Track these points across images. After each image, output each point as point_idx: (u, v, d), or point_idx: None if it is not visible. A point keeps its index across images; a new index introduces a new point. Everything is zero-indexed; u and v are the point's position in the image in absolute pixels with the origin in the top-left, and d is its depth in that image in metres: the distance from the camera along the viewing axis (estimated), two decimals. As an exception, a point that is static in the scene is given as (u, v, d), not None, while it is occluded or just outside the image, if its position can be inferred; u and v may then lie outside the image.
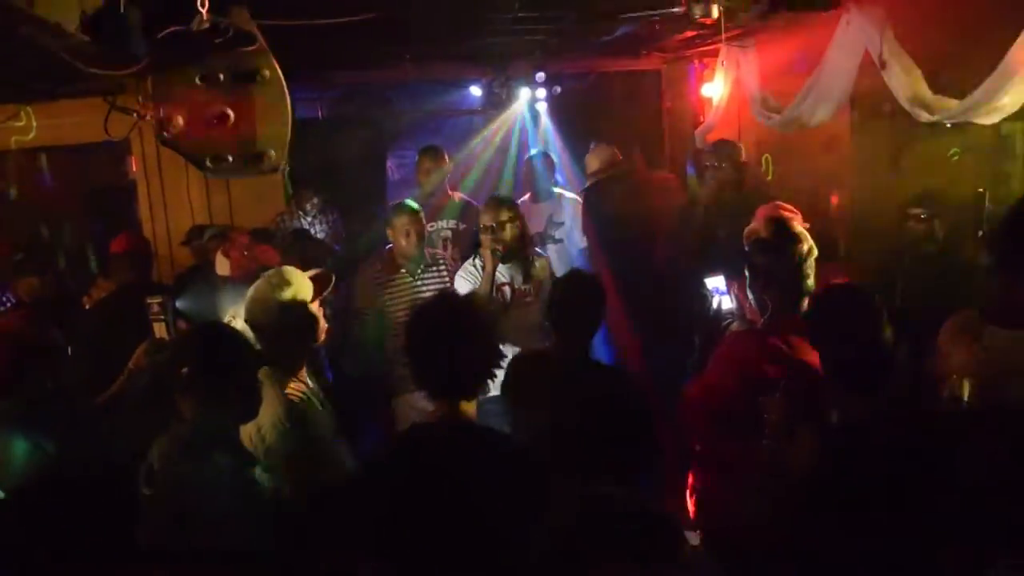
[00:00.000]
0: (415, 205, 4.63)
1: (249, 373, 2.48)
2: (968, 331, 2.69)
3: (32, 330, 3.16)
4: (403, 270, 4.58)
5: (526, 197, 5.93)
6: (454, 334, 2.39)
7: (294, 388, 2.88)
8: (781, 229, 2.93)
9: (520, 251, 4.44)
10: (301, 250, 4.58)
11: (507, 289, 4.42)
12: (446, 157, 5.64)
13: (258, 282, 3.04)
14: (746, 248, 3.01)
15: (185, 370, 2.42)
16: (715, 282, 3.28)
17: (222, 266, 4.28)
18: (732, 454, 2.87)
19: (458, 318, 2.43)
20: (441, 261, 4.76)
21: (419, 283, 4.58)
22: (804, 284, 2.89)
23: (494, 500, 2.28)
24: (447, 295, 2.60)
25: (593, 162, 5.35)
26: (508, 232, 4.33)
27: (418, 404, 4.49)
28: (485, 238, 4.33)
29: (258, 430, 2.70)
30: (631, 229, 5.04)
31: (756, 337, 2.90)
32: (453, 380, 2.42)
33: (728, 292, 3.24)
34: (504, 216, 4.33)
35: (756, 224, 3.03)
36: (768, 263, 2.89)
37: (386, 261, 4.62)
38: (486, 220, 4.35)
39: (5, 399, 3.00)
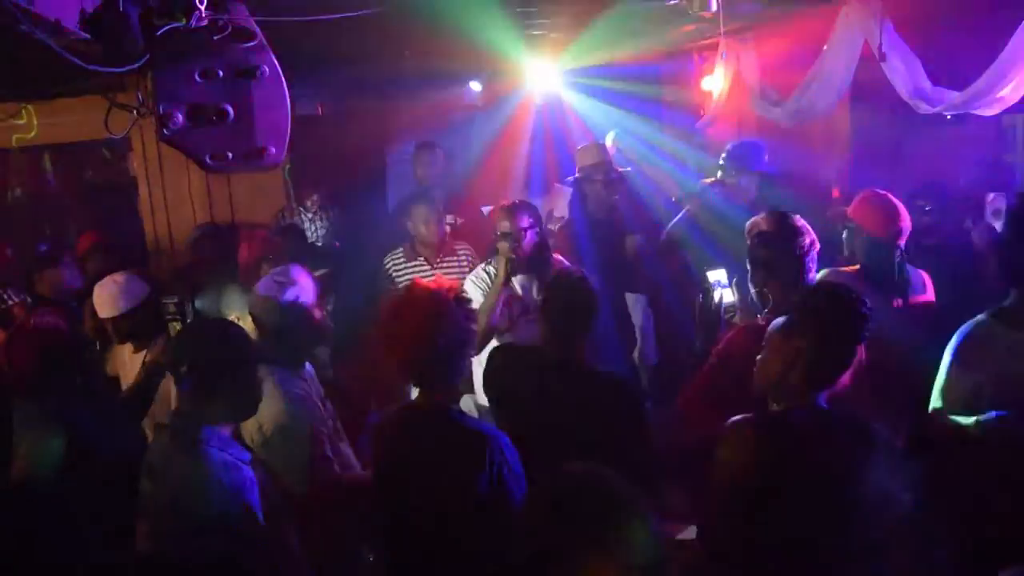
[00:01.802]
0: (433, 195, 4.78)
1: (248, 370, 2.48)
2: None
3: (62, 328, 3.20)
4: (421, 258, 4.70)
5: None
6: (411, 323, 2.49)
7: (293, 386, 2.89)
8: (783, 222, 2.92)
9: (538, 260, 4.09)
10: (293, 247, 4.59)
11: (515, 304, 4.16)
12: (441, 152, 5.67)
13: (263, 280, 3.06)
14: (748, 241, 3.01)
15: (183, 367, 2.43)
16: (717, 275, 3.28)
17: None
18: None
19: (417, 307, 2.52)
20: (462, 251, 4.79)
21: (436, 271, 4.64)
22: (806, 278, 2.88)
23: (466, 487, 2.38)
24: (414, 287, 2.65)
25: (581, 158, 5.36)
26: (527, 240, 4.01)
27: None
28: (503, 245, 3.99)
29: (259, 427, 2.72)
30: (605, 225, 5.06)
31: (757, 331, 2.88)
32: (419, 368, 2.53)
33: (730, 285, 3.23)
34: (524, 222, 4.02)
35: (758, 217, 3.03)
36: (769, 256, 2.88)
37: (406, 249, 4.74)
38: (504, 226, 4.01)
39: (36, 396, 3.02)
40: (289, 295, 2.97)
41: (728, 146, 5.08)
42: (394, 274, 4.68)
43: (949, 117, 4.30)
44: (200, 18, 2.58)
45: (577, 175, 5.38)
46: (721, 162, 4.99)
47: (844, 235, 3.47)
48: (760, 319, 2.93)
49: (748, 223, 3.03)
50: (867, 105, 5.33)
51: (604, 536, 1.52)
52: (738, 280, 3.15)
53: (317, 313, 3.05)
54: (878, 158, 5.69)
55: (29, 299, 4.62)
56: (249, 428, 2.66)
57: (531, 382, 2.94)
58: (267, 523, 2.34)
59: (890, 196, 3.39)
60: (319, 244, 5.78)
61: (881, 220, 3.31)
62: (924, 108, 3.91)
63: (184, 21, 2.55)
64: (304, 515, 2.60)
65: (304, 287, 3.02)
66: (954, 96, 3.77)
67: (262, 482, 2.41)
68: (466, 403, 4.47)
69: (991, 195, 4.62)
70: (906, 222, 3.32)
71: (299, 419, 2.81)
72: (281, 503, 2.47)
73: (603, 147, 5.40)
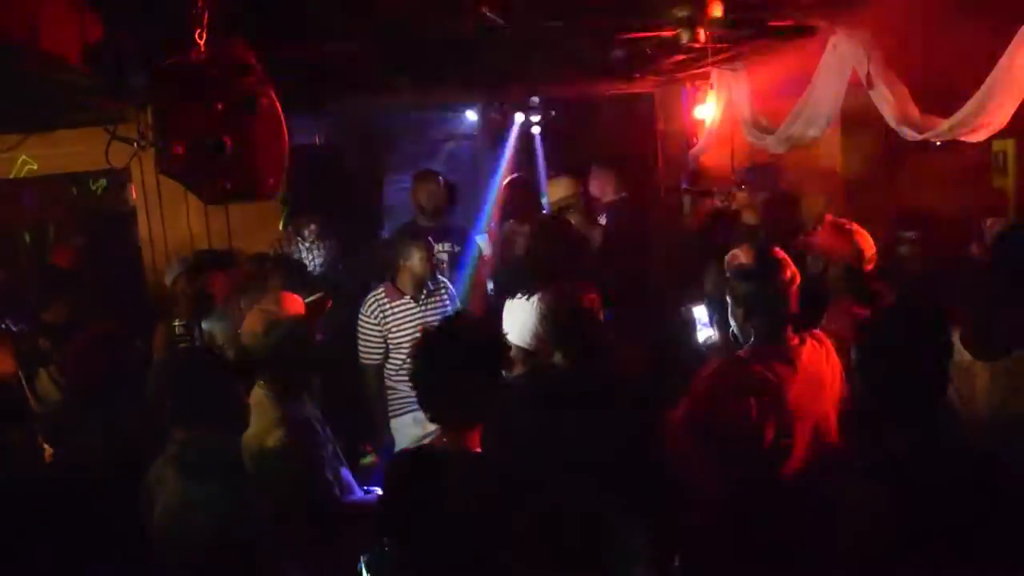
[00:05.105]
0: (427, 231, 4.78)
1: (230, 390, 2.54)
2: None
3: (119, 336, 3.22)
4: (407, 296, 4.63)
5: (511, 221, 5.96)
6: (459, 362, 2.42)
7: (293, 410, 2.92)
8: (764, 255, 2.89)
9: None
10: (286, 277, 4.59)
11: None
12: (440, 181, 5.70)
13: (252, 309, 3.10)
14: (727, 274, 2.97)
15: (168, 403, 2.48)
16: (698, 312, 3.30)
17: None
18: (713, 483, 2.83)
19: (464, 346, 2.46)
20: (443, 287, 4.81)
21: (422, 308, 4.62)
22: (788, 311, 2.84)
23: (493, 529, 2.31)
24: (450, 323, 2.62)
25: (554, 192, 5.39)
26: None
27: (416, 425, 4.60)
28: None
29: (260, 450, 2.74)
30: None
31: (738, 366, 2.86)
32: (452, 409, 2.45)
33: (711, 323, 3.24)
34: None
35: (737, 250, 3.01)
36: (750, 290, 2.85)
37: (388, 288, 4.65)
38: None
39: (100, 403, 3.03)
40: (276, 321, 3.00)
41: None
42: (382, 316, 4.59)
43: (939, 144, 4.35)
44: (200, 53, 2.64)
45: (550, 208, 5.43)
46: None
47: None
48: (742, 353, 2.91)
49: (727, 256, 3.00)
50: (857, 132, 5.39)
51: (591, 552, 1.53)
52: (719, 318, 3.14)
53: (311, 340, 3.07)
54: (869, 184, 5.74)
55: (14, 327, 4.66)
56: (250, 452, 2.68)
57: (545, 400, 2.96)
58: (263, 545, 2.36)
59: None
60: (316, 273, 5.80)
61: None
62: (911, 135, 3.96)
63: (184, 56, 2.61)
64: (303, 538, 2.62)
65: (294, 315, 3.05)
66: (941, 123, 3.82)
67: (259, 504, 2.44)
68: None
69: (989, 220, 4.65)
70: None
71: (299, 443, 2.83)
72: (278, 526, 2.49)
73: (575, 179, 5.43)
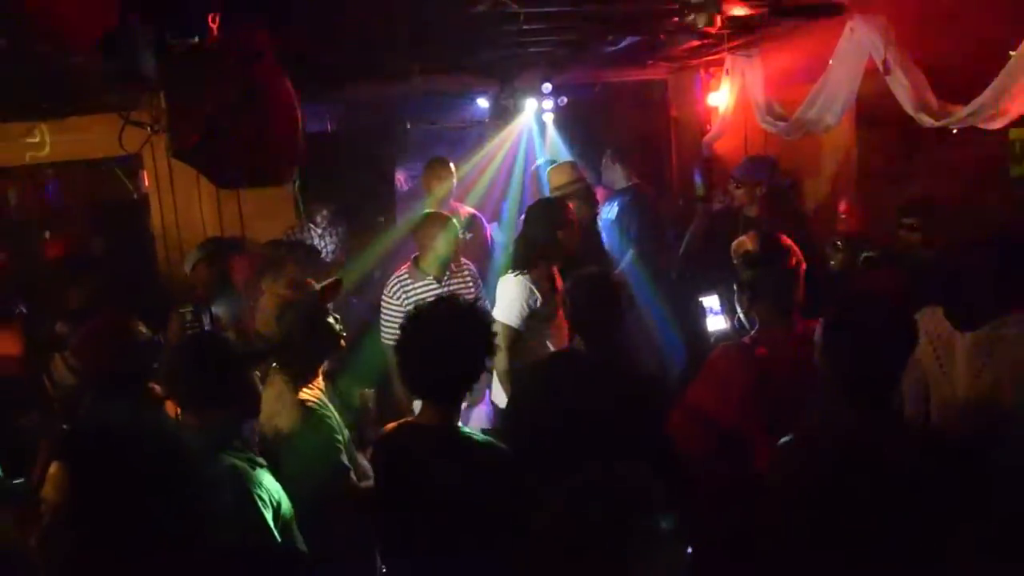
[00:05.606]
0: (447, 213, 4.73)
1: (241, 375, 2.56)
2: None
3: (131, 323, 3.23)
4: (429, 276, 4.59)
5: None
6: (442, 340, 2.48)
7: (310, 394, 2.93)
8: (769, 242, 2.92)
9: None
10: (299, 262, 4.60)
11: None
12: (452, 168, 5.69)
13: (267, 293, 3.11)
14: (734, 262, 3.00)
15: (180, 387, 2.51)
16: (709, 301, 3.29)
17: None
18: (718, 469, 2.84)
19: (449, 324, 2.51)
20: (466, 269, 4.80)
21: (444, 288, 4.57)
22: (792, 298, 2.87)
23: (476, 503, 2.39)
24: (444, 301, 2.67)
25: (555, 178, 5.35)
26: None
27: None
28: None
29: (276, 435, 2.76)
30: (584, 242, 5.01)
31: (742, 351, 2.87)
32: (436, 384, 2.52)
33: (722, 311, 3.25)
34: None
35: (744, 237, 3.02)
36: (755, 277, 2.87)
37: (411, 269, 4.63)
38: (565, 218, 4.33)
39: (118, 392, 3.05)
40: (291, 304, 3.01)
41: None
42: (404, 296, 4.54)
43: (955, 131, 4.31)
44: (213, 38, 2.63)
45: (552, 195, 5.38)
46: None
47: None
48: (747, 339, 2.92)
49: (734, 243, 3.02)
50: (873, 119, 5.35)
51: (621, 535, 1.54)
52: (729, 306, 3.16)
53: (328, 323, 3.08)
54: (884, 172, 5.70)
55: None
56: (267, 437, 2.70)
57: (572, 384, 2.97)
58: (278, 528, 2.38)
59: None
60: (328, 259, 5.81)
61: None
62: (928, 122, 3.93)
63: (198, 41, 2.61)
64: (320, 523, 2.63)
65: (307, 300, 3.05)
66: (959, 110, 3.78)
67: (275, 488, 2.45)
68: None
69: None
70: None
71: (315, 428, 2.84)
72: (295, 509, 2.51)
73: (576, 165, 5.38)
